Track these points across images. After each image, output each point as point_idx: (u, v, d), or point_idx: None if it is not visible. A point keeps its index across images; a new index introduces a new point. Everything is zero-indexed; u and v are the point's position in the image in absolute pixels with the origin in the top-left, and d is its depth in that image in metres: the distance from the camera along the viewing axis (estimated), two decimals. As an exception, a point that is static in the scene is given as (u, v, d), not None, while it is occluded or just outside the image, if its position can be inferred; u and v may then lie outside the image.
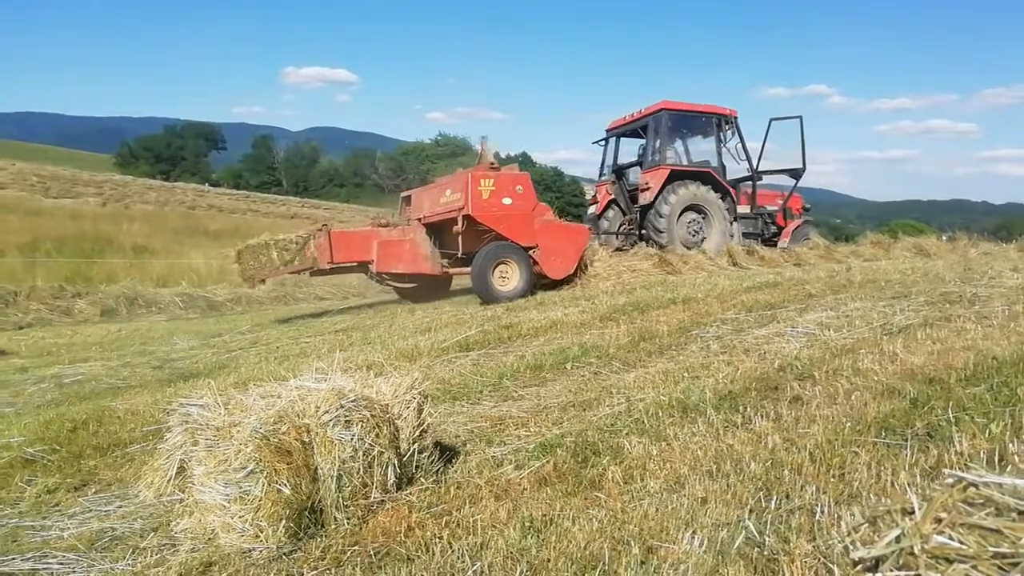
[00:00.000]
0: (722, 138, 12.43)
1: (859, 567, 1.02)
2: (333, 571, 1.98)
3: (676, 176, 11.66)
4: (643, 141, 12.71)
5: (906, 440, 2.34)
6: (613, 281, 9.13)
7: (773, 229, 12.97)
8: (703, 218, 11.89)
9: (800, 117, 12.45)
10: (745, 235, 12.34)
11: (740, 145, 12.42)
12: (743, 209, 12.51)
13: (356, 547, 2.10)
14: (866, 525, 1.10)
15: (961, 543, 0.93)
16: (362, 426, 2.33)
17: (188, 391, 4.26)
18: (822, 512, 1.90)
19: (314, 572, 1.98)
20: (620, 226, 12.68)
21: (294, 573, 1.99)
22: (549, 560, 1.86)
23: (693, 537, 1.88)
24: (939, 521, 0.97)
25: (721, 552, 1.78)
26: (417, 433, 2.58)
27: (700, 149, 12.95)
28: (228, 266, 15.94)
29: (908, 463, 2.16)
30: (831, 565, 1.58)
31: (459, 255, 9.06)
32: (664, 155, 12.00)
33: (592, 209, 13.11)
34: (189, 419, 2.46)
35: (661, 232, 11.46)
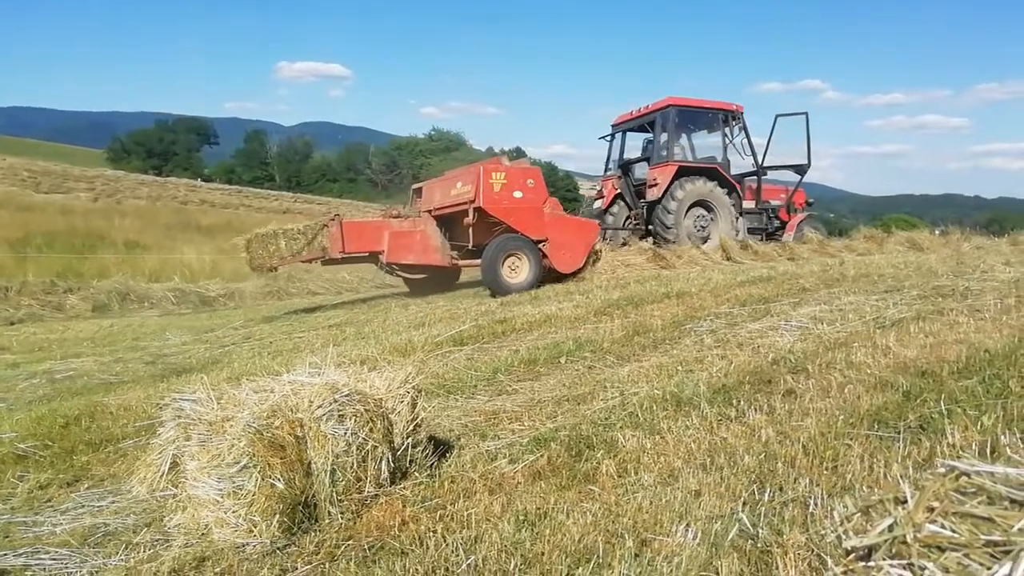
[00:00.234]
0: (728, 134, 12.43)
1: (852, 556, 1.02)
2: (327, 565, 1.98)
3: (684, 172, 11.66)
4: (647, 136, 12.72)
5: (899, 432, 2.35)
6: (607, 276, 9.16)
7: (777, 224, 13.00)
8: (709, 214, 11.90)
9: (806, 113, 12.53)
10: (750, 230, 12.37)
11: (746, 141, 12.46)
12: (748, 204, 12.55)
13: (350, 541, 2.10)
14: (859, 515, 1.11)
15: (953, 531, 0.93)
16: (356, 420, 2.32)
17: (181, 386, 4.22)
18: (815, 504, 1.91)
19: (308, 567, 1.98)
20: (625, 221, 12.69)
21: (288, 568, 1.99)
22: (543, 553, 1.86)
23: (687, 530, 1.89)
24: (931, 510, 0.98)
25: (715, 544, 1.79)
26: (411, 427, 2.58)
27: (706, 144, 12.97)
28: (222, 261, 15.90)
29: (901, 455, 2.17)
30: (824, 556, 1.58)
31: (469, 247, 9.11)
32: (672, 151, 12.00)
33: (597, 203, 13.12)
34: (182, 414, 2.45)
35: (669, 228, 11.44)
